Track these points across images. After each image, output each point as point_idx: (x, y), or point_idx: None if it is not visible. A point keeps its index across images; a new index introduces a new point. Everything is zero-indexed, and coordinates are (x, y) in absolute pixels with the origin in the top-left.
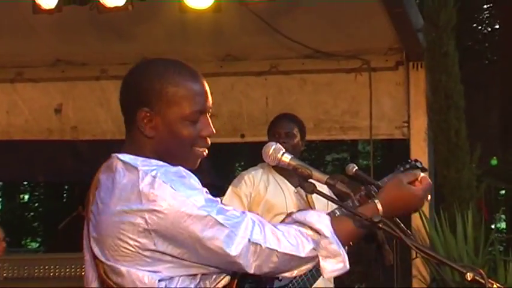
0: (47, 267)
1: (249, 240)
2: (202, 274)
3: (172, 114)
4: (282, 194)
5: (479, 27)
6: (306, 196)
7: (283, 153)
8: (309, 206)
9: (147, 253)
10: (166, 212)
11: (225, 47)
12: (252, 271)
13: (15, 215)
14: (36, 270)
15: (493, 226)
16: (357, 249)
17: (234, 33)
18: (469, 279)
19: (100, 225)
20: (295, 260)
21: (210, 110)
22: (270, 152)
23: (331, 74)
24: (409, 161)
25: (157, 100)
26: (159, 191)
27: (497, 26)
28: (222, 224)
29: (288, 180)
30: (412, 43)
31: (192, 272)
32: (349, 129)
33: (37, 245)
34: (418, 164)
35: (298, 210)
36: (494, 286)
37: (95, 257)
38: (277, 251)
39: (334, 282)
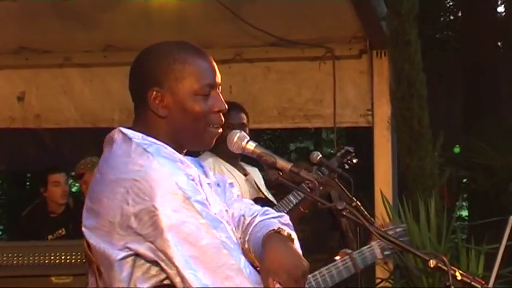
0: (10, 254)
1: (222, 242)
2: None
3: (182, 90)
4: (236, 182)
5: (442, 16)
6: (256, 183)
7: (248, 141)
8: (259, 191)
9: (119, 227)
10: (146, 184)
11: (189, 34)
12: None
13: None
14: None
15: (454, 214)
16: (320, 237)
17: (198, 21)
18: (431, 266)
19: (93, 193)
20: None
21: (220, 87)
22: (235, 140)
23: (295, 62)
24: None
25: (166, 78)
26: (145, 161)
27: (459, 15)
28: (199, 212)
29: (236, 168)
30: (376, 31)
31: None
32: (313, 117)
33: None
34: (350, 149)
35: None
36: (457, 273)
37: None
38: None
39: None
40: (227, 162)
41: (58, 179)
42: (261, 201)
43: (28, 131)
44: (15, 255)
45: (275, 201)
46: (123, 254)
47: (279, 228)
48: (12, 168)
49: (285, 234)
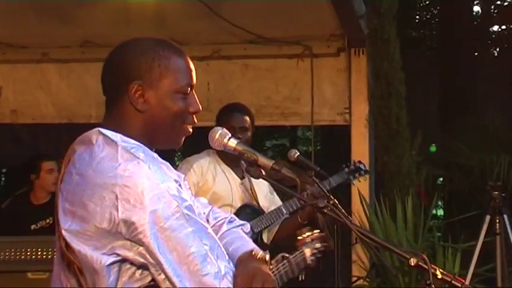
0: None
1: (206, 253)
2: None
3: (164, 87)
4: (229, 185)
5: (418, 15)
6: (251, 188)
7: (230, 138)
8: (253, 197)
9: (106, 233)
10: (136, 190)
11: (167, 31)
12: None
13: None
14: None
15: (430, 213)
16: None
17: (176, 18)
18: (412, 264)
19: (73, 196)
20: None
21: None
22: (216, 137)
23: (273, 59)
24: (354, 163)
25: (149, 73)
26: (135, 167)
27: (435, 13)
28: (187, 220)
29: (233, 170)
30: (354, 30)
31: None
32: (291, 115)
33: None
34: (361, 166)
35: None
36: (437, 271)
37: (58, 226)
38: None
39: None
40: (226, 163)
41: (52, 166)
42: (250, 207)
43: (4, 126)
44: None
45: (265, 210)
46: (110, 259)
47: (254, 252)
48: None
49: (258, 257)
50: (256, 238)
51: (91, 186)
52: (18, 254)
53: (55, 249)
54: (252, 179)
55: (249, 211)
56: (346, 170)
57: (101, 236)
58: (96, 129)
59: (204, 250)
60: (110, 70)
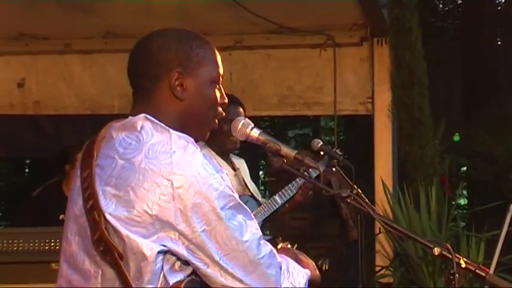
0: (10, 241)
1: (259, 238)
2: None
3: (202, 75)
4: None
5: (442, 4)
6: (243, 179)
7: (252, 128)
8: (246, 188)
9: (156, 220)
10: (193, 179)
11: (189, 22)
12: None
13: None
14: None
15: (454, 202)
16: (320, 225)
17: (198, 8)
18: (436, 254)
19: (118, 180)
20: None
21: None
22: (239, 127)
23: (296, 49)
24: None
25: (188, 61)
26: (192, 157)
27: (459, 2)
28: (239, 209)
29: (226, 162)
30: (377, 19)
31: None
32: (313, 104)
33: None
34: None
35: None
36: (461, 261)
37: (98, 210)
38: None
39: None
40: (219, 156)
41: None
42: (247, 198)
43: (28, 117)
44: (15, 241)
45: (259, 199)
46: (157, 247)
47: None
48: (11, 155)
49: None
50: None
51: (142, 171)
52: (42, 244)
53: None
54: (237, 164)
55: (248, 203)
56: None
57: (149, 223)
58: (142, 115)
59: (258, 234)
60: (146, 58)
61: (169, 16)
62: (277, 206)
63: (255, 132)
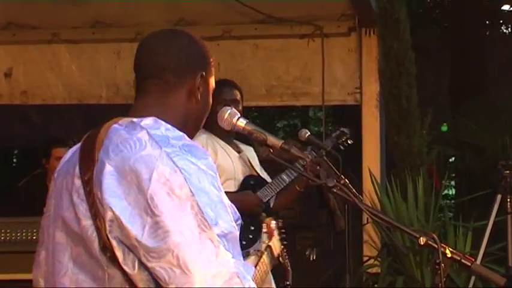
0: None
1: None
2: None
3: (211, 84)
4: (229, 159)
5: None
6: (249, 160)
7: (239, 117)
8: (252, 169)
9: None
10: (167, 197)
11: (178, 11)
12: None
13: None
14: None
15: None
16: (308, 215)
17: None
18: (422, 243)
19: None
20: None
21: None
22: (226, 117)
23: (284, 39)
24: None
25: (208, 67)
26: (171, 176)
27: None
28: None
29: (229, 145)
30: (365, 9)
31: None
32: (301, 95)
33: None
34: (345, 130)
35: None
36: (447, 250)
37: (99, 217)
38: None
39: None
40: (221, 139)
41: (61, 153)
42: (253, 178)
43: (15, 107)
44: (2, 231)
45: (268, 179)
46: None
47: None
48: None
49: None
50: (266, 208)
51: (125, 182)
52: (28, 234)
53: None
54: (244, 151)
55: (253, 182)
56: (333, 135)
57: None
58: (153, 118)
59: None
60: (175, 52)
61: (157, 6)
62: (285, 184)
63: (242, 122)
